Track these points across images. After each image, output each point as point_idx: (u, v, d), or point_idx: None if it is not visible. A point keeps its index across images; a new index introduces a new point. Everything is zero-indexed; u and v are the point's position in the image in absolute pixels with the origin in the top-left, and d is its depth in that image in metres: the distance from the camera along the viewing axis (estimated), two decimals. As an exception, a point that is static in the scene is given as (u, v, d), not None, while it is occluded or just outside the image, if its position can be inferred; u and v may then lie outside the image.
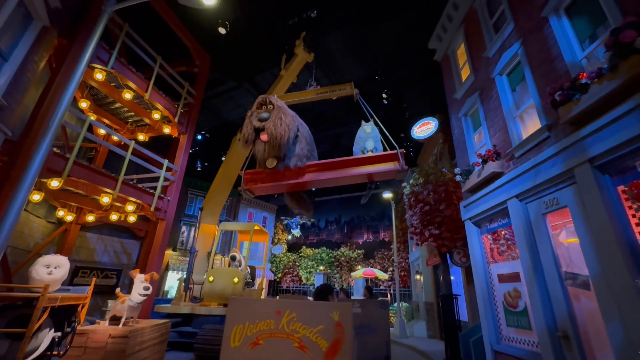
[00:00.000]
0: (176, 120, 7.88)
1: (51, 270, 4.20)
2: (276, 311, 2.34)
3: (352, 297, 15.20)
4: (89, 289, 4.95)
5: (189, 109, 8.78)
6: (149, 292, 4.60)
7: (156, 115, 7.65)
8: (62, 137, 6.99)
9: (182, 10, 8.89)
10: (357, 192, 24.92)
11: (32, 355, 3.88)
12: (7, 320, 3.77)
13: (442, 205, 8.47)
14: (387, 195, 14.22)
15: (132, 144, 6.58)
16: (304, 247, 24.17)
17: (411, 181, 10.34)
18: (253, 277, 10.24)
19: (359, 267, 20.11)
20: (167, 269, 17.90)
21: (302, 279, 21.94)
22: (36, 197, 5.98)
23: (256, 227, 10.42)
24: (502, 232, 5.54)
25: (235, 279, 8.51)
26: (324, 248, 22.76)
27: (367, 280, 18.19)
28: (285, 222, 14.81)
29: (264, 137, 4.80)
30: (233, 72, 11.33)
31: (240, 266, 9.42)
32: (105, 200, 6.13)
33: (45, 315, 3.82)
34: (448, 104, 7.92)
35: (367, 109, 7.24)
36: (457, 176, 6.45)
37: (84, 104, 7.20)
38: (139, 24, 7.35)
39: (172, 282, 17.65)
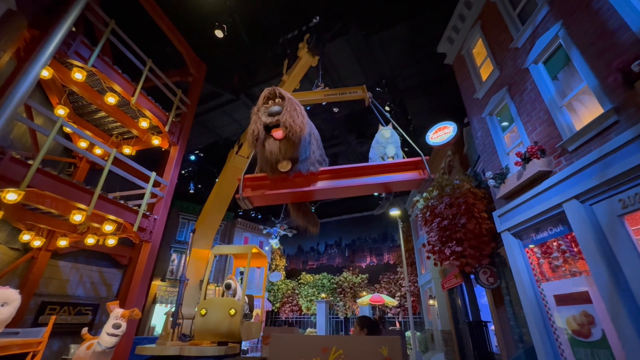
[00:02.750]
0: (167, 129, 7.05)
1: (-6, 308, 3.15)
2: (322, 348, 2.30)
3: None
4: (46, 331, 3.85)
5: (181, 118, 8.00)
6: (119, 331, 3.53)
7: (144, 124, 6.81)
8: (32, 148, 6.09)
9: (177, 16, 8.40)
10: (358, 212, 23.96)
11: None
12: None
13: (463, 219, 7.65)
14: (394, 212, 13.33)
15: (114, 153, 5.67)
16: (304, 273, 22.62)
17: (425, 194, 9.54)
18: (251, 308, 8.97)
19: (364, 292, 18.68)
20: (154, 301, 16.26)
21: (303, 308, 20.26)
22: (-8, 216, 4.95)
23: (254, 250, 9.31)
24: (555, 243, 4.66)
25: (232, 311, 7.28)
26: (325, 273, 21.24)
27: (374, 308, 16.77)
28: (265, 230, 13.68)
29: (278, 133, 3.98)
30: (229, 83, 10.75)
31: (235, 295, 8.21)
32: (77, 218, 5.10)
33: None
34: (466, 106, 7.31)
35: (383, 113, 6.60)
36: (490, 180, 5.65)
37: (61, 111, 6.34)
38: (130, 30, 6.70)
39: (160, 316, 15.96)
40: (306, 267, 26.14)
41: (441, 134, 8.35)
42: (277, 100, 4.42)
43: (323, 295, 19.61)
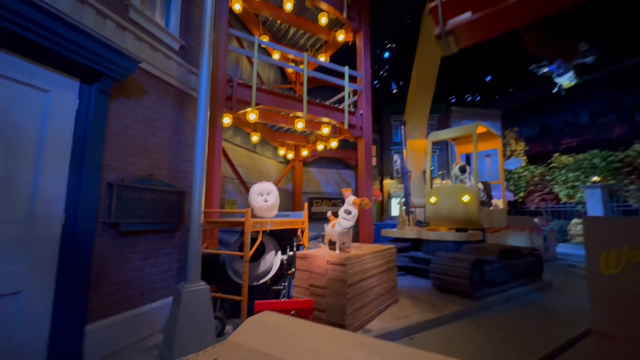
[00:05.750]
0: (345, 15, 6.32)
1: (265, 197, 4.13)
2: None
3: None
4: (304, 213, 4.77)
5: (356, -2, 6.96)
6: (350, 216, 3.80)
7: (323, 19, 6.44)
8: (257, 80, 7.31)
9: None
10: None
11: (269, 275, 3.99)
12: (240, 244, 3.94)
13: None
14: None
15: (306, 56, 5.73)
16: (557, 154, 17.31)
17: None
18: (489, 196, 7.69)
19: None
20: (389, 197, 18.52)
21: (561, 196, 16.00)
22: (255, 138, 6.53)
23: (481, 129, 7.54)
24: None
25: (466, 197, 6.42)
26: (597, 150, 15.07)
27: None
28: (541, 71, 9.76)
29: None
30: None
31: (469, 182, 7.18)
32: (299, 125, 5.78)
33: (259, 240, 3.68)
34: None
35: None
36: None
37: (264, 40, 7.14)
38: None
39: (397, 207, 18.09)
40: (559, 148, 19.91)
41: None
42: None
43: (596, 178, 14.35)
